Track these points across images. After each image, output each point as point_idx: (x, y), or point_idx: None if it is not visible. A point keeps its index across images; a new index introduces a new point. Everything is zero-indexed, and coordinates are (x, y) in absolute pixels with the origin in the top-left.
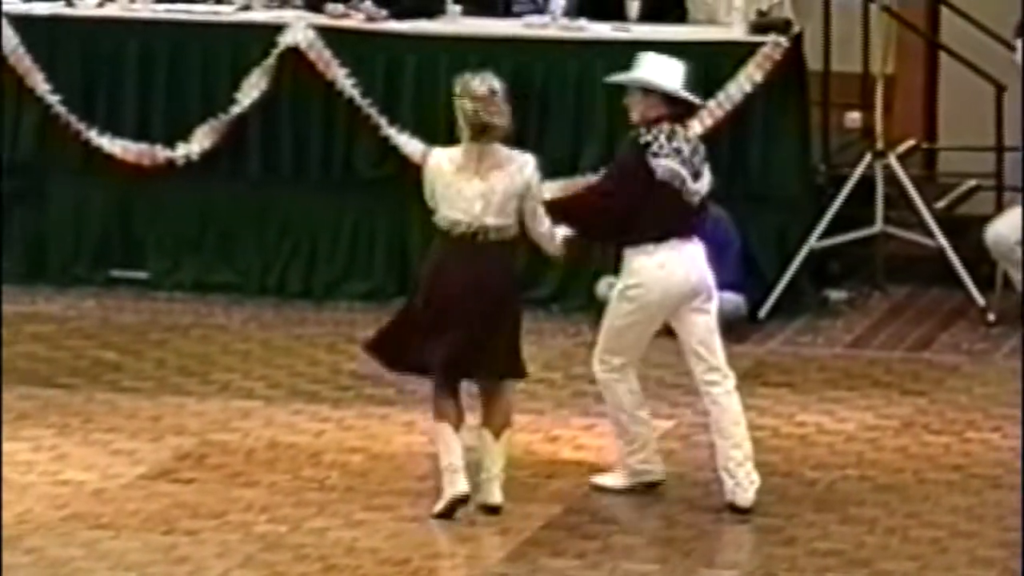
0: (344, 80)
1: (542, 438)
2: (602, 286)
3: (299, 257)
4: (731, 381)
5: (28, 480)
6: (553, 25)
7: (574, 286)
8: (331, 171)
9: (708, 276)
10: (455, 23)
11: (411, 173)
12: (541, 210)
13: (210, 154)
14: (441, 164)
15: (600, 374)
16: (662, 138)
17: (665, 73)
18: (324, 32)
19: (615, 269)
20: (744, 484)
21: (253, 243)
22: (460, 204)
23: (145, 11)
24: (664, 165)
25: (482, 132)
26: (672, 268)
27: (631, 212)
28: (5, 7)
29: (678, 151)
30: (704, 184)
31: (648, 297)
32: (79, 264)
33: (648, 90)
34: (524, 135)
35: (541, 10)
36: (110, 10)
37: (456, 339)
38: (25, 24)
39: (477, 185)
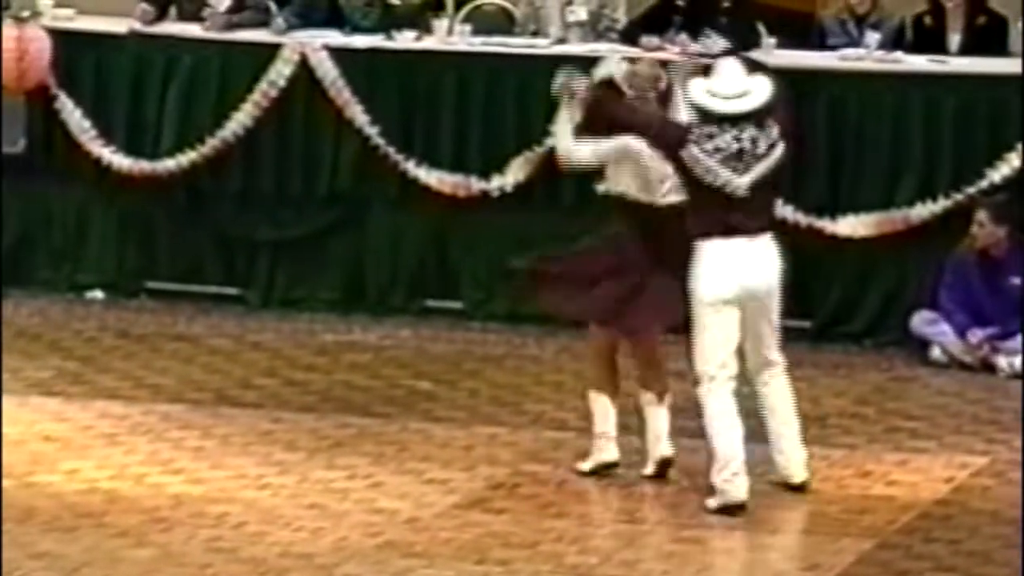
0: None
1: (854, 473)
2: (916, 320)
3: None
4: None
5: (344, 508)
6: (868, 58)
7: (888, 321)
8: None
9: (771, 271)
10: (770, 56)
11: None
12: None
13: (524, 185)
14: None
15: None
16: (705, 136)
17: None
18: None
19: (929, 303)
20: None
21: None
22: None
23: (462, 44)
24: (702, 163)
25: None
26: (725, 264)
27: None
28: (325, 40)
29: (716, 150)
30: (751, 179)
31: (711, 288)
32: (395, 294)
33: None
34: (839, 167)
35: (856, 43)
36: (428, 43)
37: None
38: (345, 56)
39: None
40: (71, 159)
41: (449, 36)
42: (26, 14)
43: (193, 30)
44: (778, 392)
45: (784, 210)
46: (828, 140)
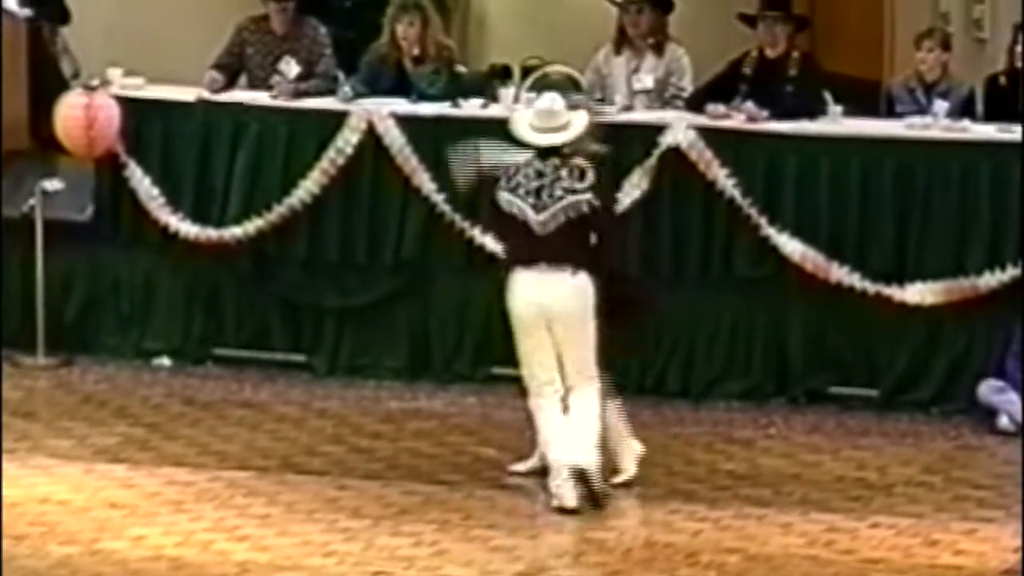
0: (725, 180)
1: (921, 542)
2: (983, 389)
3: (677, 356)
4: (586, 390)
5: (409, 575)
6: (936, 126)
7: (955, 389)
8: (710, 270)
9: (565, 301)
10: (836, 124)
11: (790, 273)
12: None
13: None
14: None
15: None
16: (511, 173)
17: (532, 111)
18: (705, 132)
19: (996, 372)
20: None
21: (631, 341)
22: None
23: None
24: (505, 198)
25: None
26: (535, 289)
27: (500, 238)
28: (392, 107)
29: (517, 186)
30: (547, 216)
31: (514, 311)
32: (461, 361)
33: None
34: (906, 235)
35: (925, 111)
36: (494, 110)
37: None
38: (411, 124)
39: None
40: (138, 226)
41: (515, 104)
42: (95, 82)
43: (261, 98)
44: (586, 402)
45: (851, 277)
46: (895, 207)
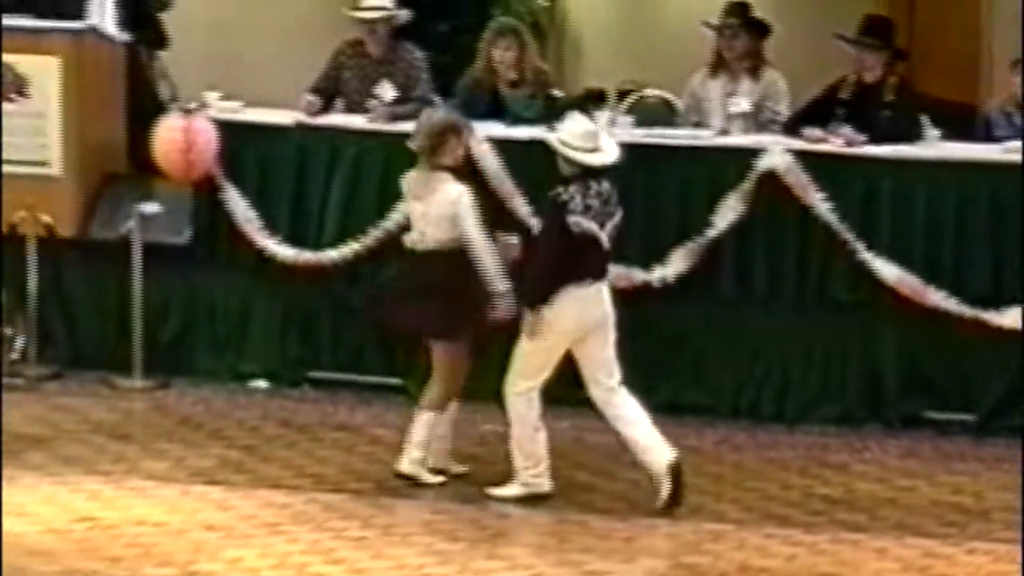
0: (821, 204)
1: (1018, 568)
2: None
3: (772, 379)
4: (624, 390)
5: None
6: None
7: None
8: (804, 294)
9: (609, 308)
10: (934, 148)
11: (884, 298)
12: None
13: (685, 276)
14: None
15: (510, 396)
16: (577, 196)
17: (568, 134)
18: (802, 156)
19: None
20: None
21: (726, 365)
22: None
23: (624, 135)
24: (576, 222)
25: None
26: (588, 303)
27: (566, 259)
28: (488, 131)
29: (588, 207)
30: (608, 231)
31: (562, 326)
32: (555, 384)
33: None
34: (1002, 259)
35: (1021, 135)
36: None
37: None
38: (507, 147)
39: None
40: (235, 249)
41: (611, 127)
42: (193, 106)
43: (357, 121)
44: (627, 405)
45: (947, 302)
46: (991, 231)
